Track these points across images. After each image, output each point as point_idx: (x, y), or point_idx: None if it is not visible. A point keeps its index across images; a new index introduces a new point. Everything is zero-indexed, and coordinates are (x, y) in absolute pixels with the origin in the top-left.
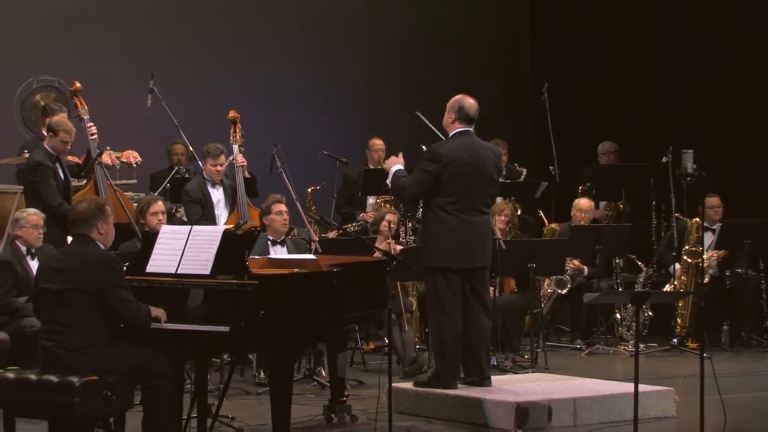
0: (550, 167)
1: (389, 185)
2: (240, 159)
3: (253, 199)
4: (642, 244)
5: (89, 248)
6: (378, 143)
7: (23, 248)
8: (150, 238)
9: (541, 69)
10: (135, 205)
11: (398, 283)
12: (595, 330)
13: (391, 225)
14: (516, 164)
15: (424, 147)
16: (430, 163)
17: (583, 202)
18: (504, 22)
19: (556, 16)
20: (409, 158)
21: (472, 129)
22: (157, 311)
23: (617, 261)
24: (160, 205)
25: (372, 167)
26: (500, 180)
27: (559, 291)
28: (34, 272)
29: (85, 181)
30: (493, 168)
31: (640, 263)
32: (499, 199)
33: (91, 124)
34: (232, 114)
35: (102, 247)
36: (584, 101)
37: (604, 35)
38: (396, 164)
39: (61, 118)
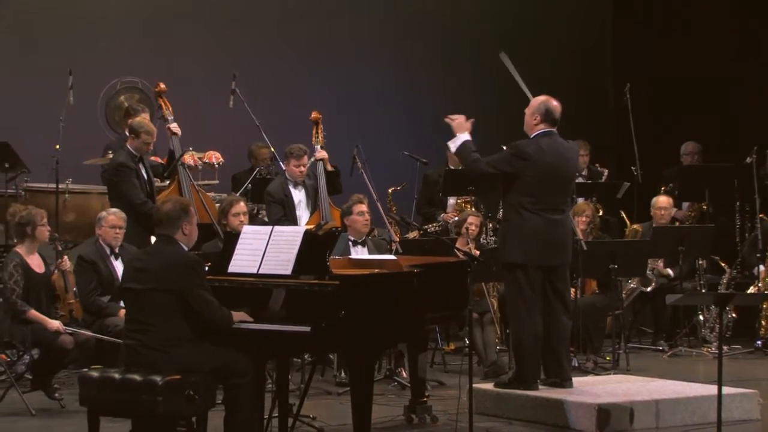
0: (633, 168)
1: (452, 149)
2: (320, 152)
3: (337, 196)
4: (725, 246)
5: (172, 249)
6: None
7: (107, 248)
8: (232, 238)
9: (623, 69)
10: (217, 205)
11: (483, 284)
12: (678, 331)
13: (474, 227)
14: (597, 165)
15: (504, 148)
16: (516, 158)
17: (662, 200)
18: (586, 22)
19: (639, 16)
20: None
21: (555, 130)
22: (240, 314)
23: (700, 262)
24: (242, 206)
25: (452, 168)
26: (582, 180)
27: (644, 289)
28: (118, 272)
29: (168, 182)
30: (575, 168)
31: (723, 264)
32: (580, 200)
33: (175, 124)
34: (314, 115)
35: (185, 248)
36: (667, 101)
37: (688, 34)
38: (465, 130)
39: (142, 119)
